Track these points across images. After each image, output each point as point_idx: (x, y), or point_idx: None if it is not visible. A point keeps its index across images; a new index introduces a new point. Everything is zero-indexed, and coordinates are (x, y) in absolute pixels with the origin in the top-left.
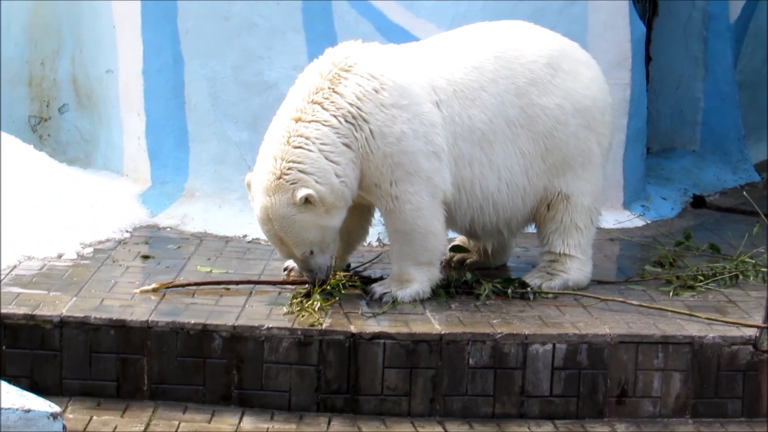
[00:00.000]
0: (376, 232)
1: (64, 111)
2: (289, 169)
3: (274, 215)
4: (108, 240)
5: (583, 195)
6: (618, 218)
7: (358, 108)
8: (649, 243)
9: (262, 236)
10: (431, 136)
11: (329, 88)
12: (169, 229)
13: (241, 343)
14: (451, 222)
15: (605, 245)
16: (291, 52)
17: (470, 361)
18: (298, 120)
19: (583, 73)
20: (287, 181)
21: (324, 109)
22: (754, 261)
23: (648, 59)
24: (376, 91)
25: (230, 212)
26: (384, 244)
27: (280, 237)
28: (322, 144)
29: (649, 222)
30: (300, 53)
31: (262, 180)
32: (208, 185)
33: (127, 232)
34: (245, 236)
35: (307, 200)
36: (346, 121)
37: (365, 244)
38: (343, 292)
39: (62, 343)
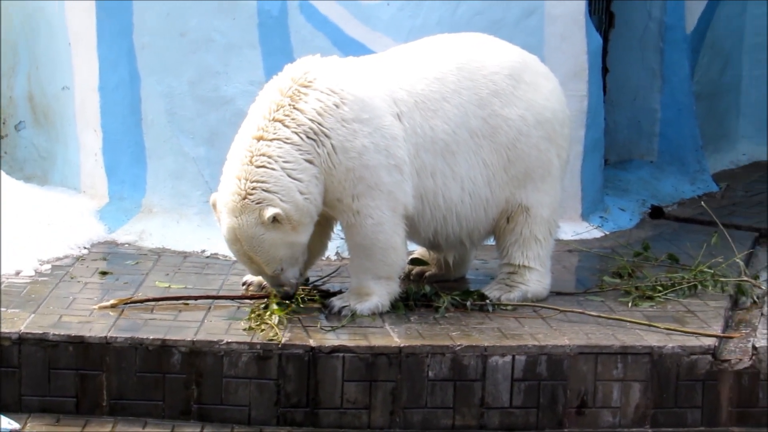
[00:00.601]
0: (334, 246)
1: (21, 128)
2: (253, 189)
3: (242, 236)
4: (66, 256)
5: (542, 207)
6: (576, 229)
7: (320, 124)
8: (608, 254)
9: (221, 251)
10: (392, 150)
11: (290, 104)
12: (127, 245)
13: (200, 358)
14: (414, 233)
15: (564, 256)
16: (248, 67)
17: (430, 373)
18: (259, 138)
19: (543, 85)
20: (252, 201)
21: (285, 126)
22: (712, 271)
23: (605, 71)
24: (337, 106)
25: (188, 227)
26: (342, 258)
27: (249, 256)
28: (284, 162)
29: (607, 233)
30: (257, 68)
31: (227, 201)
32: (166, 201)
33: (85, 248)
34: (203, 251)
35: (275, 219)
36: (308, 137)
37: (323, 257)
38: (301, 305)
39: (21, 360)
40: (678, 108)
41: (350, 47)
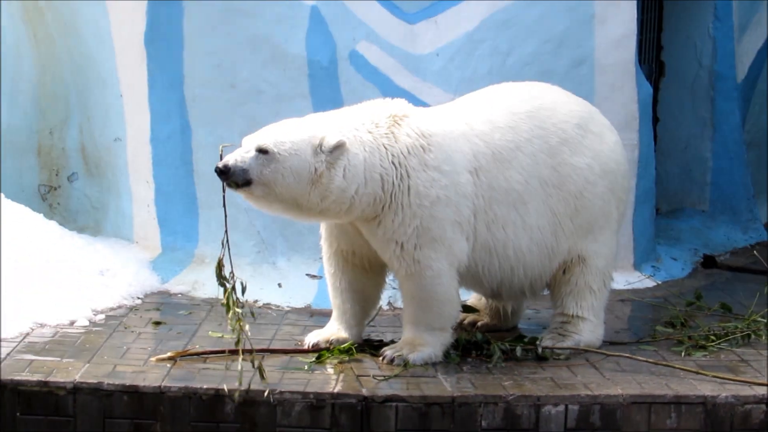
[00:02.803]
0: (386, 295)
1: (74, 179)
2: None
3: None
4: (119, 306)
5: (598, 257)
6: (629, 279)
7: (405, 158)
8: (660, 303)
9: (273, 301)
10: (461, 207)
11: (386, 124)
12: (180, 295)
13: (253, 407)
14: (477, 284)
15: (616, 306)
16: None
17: (483, 423)
18: (361, 123)
19: (608, 136)
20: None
21: (378, 135)
22: (765, 320)
23: (655, 120)
24: (424, 150)
25: (241, 277)
26: (395, 308)
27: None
28: (370, 150)
29: (659, 282)
30: None
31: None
32: (218, 251)
33: (139, 298)
34: (256, 301)
35: (335, 149)
36: (391, 161)
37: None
38: (354, 355)
39: (76, 410)
40: (729, 157)
41: (400, 97)
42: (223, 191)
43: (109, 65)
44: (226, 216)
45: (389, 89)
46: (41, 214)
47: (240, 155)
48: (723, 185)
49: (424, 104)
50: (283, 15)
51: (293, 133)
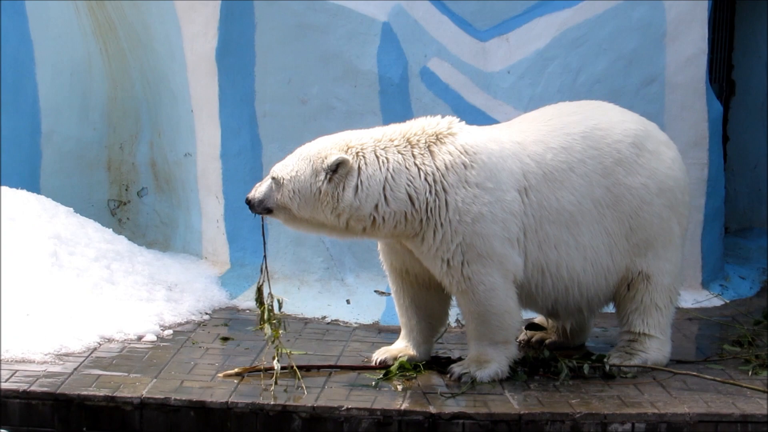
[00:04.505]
0: (454, 312)
1: (143, 194)
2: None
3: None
4: (187, 322)
5: (663, 275)
6: (696, 298)
7: (443, 175)
8: (728, 322)
9: (342, 318)
10: (509, 224)
11: (426, 142)
12: (248, 311)
13: (320, 424)
14: (532, 303)
15: (684, 324)
16: None
17: None
18: (389, 141)
19: (665, 153)
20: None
21: (412, 154)
22: None
23: (725, 139)
24: (465, 167)
25: (309, 294)
26: (462, 325)
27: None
28: (392, 167)
29: (727, 301)
30: None
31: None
32: (287, 267)
33: (207, 314)
34: (324, 318)
35: (338, 167)
36: (425, 179)
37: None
38: (422, 372)
39: (143, 425)
40: None
41: (471, 114)
42: (262, 218)
43: (180, 80)
44: (264, 243)
45: (460, 106)
46: (110, 229)
47: (260, 186)
48: None
49: (495, 121)
50: (354, 31)
51: (301, 155)
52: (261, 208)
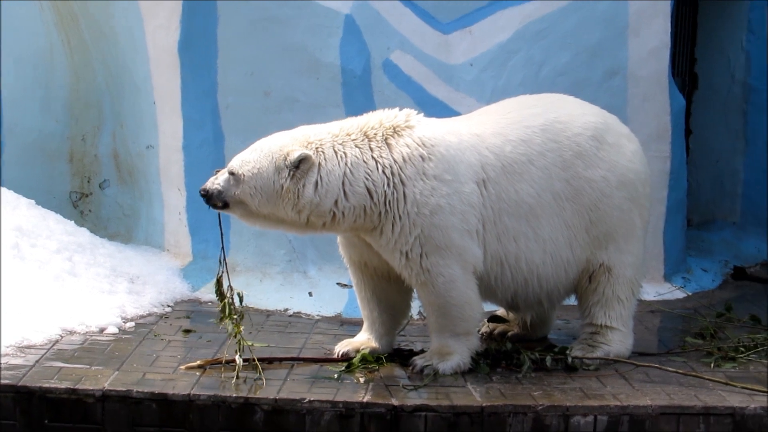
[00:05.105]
0: (416, 305)
1: (105, 186)
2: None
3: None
4: (149, 314)
5: (625, 267)
6: (659, 290)
7: (400, 168)
8: (690, 315)
9: (304, 310)
10: (467, 216)
11: (383, 135)
12: (210, 303)
13: (282, 416)
14: (492, 296)
15: (646, 317)
16: None
17: None
18: (346, 135)
19: (625, 146)
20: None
21: (370, 148)
22: None
23: (688, 132)
24: (423, 159)
25: (271, 286)
26: (425, 317)
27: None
28: (349, 161)
29: (690, 294)
30: None
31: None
32: (249, 259)
33: (169, 306)
34: (286, 310)
35: (300, 163)
36: (383, 171)
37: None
38: (384, 365)
39: (104, 417)
40: (761, 169)
41: (434, 107)
42: (218, 213)
43: (142, 72)
44: (222, 235)
45: (423, 99)
46: (72, 221)
47: (217, 178)
48: (754, 197)
49: (458, 113)
50: (317, 24)
51: (261, 150)
52: (219, 199)
